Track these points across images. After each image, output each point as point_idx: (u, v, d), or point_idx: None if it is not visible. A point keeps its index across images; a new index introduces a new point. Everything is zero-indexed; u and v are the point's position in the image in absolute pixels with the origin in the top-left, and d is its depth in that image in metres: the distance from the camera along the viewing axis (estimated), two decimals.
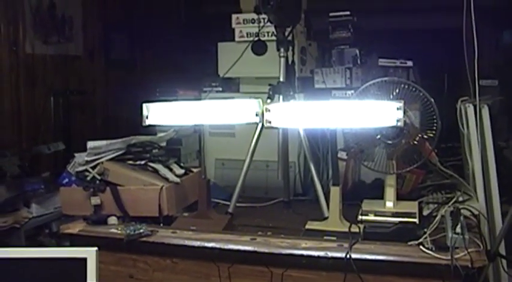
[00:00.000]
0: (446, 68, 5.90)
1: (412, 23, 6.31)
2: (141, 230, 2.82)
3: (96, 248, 2.04)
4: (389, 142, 3.01)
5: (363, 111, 2.68)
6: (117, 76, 5.70)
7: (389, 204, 3.08)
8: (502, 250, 3.11)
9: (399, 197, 3.16)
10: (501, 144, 5.01)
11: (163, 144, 3.44)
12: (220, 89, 4.01)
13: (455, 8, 3.29)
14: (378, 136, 3.02)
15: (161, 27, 6.41)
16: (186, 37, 6.71)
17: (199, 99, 3.94)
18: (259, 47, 3.28)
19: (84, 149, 3.20)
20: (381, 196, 3.12)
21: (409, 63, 3.86)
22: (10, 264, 1.99)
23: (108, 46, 5.63)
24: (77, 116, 5.04)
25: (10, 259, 1.99)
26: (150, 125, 3.03)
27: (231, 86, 4.03)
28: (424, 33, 6.14)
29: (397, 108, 2.58)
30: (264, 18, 3.28)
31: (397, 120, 2.59)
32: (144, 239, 2.81)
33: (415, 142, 3.03)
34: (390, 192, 3.10)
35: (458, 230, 2.52)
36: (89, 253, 2.02)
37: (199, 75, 4.17)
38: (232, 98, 3.65)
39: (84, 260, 2.01)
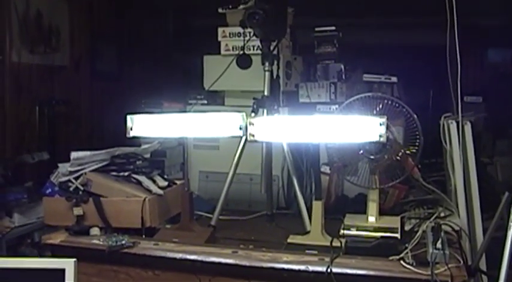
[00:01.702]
0: (431, 84, 5.93)
1: (398, 39, 6.34)
2: (123, 242, 2.82)
3: (74, 259, 2.03)
4: (372, 157, 3.03)
5: (346, 126, 2.70)
6: (102, 87, 5.69)
7: (371, 219, 3.10)
8: (483, 265, 3.13)
9: (382, 212, 3.17)
10: (485, 161, 5.05)
11: (148, 155, 3.45)
12: (206, 101, 4.03)
13: (440, 25, 3.32)
14: (361, 151, 3.03)
15: (148, 39, 6.42)
16: (173, 49, 6.72)
17: (185, 111, 3.95)
18: (244, 61, 3.30)
19: (68, 159, 3.19)
20: (363, 210, 3.14)
21: (394, 79, 3.89)
22: None
23: (94, 57, 5.62)
24: (62, 126, 5.02)
25: None
26: (134, 137, 3.03)
27: (216, 99, 4.04)
28: (409, 50, 6.17)
29: (380, 124, 2.60)
30: (249, 32, 3.30)
31: (380, 136, 2.61)
32: (126, 250, 2.80)
33: (398, 157, 3.05)
34: (373, 207, 3.12)
35: (439, 245, 2.53)
36: (68, 264, 2.02)
37: (185, 88, 4.18)
38: (217, 111, 3.66)
39: (63, 271, 2.00)
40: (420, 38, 6.07)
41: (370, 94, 3.08)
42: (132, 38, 6.13)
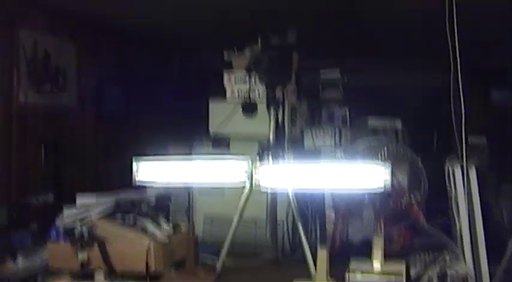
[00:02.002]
0: (435, 125, 5.96)
1: (402, 81, 6.38)
2: None
3: None
4: (377, 204, 3.03)
5: (351, 174, 2.71)
6: (108, 129, 5.70)
7: (376, 264, 3.08)
8: None
9: (387, 256, 3.16)
10: (490, 202, 5.04)
11: (153, 199, 3.45)
12: (211, 145, 4.04)
13: (443, 67, 3.34)
14: (366, 198, 3.04)
15: (154, 82, 6.45)
16: (179, 92, 6.75)
17: (189, 154, 3.96)
18: (249, 108, 3.32)
19: (73, 201, 3.20)
20: (368, 255, 3.13)
21: (398, 124, 3.90)
22: None
23: (101, 98, 5.64)
24: (67, 168, 5.02)
25: None
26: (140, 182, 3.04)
27: (221, 143, 4.05)
28: (413, 91, 6.21)
29: (385, 171, 2.61)
30: (255, 78, 3.33)
31: (385, 183, 2.61)
32: None
33: (403, 204, 3.05)
34: (378, 252, 3.10)
35: None
36: None
37: (190, 131, 4.20)
38: (222, 155, 3.67)
39: None
40: (424, 79, 6.10)
41: (374, 140, 3.10)
42: (139, 78, 6.16)
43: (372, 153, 3.07)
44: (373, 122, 3.90)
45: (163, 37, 6.15)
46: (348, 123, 3.89)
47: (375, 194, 3.00)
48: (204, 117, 4.01)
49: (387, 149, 3.04)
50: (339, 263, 3.12)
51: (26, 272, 3.88)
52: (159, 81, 6.56)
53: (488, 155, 5.22)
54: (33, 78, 4.76)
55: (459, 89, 3.29)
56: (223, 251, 3.22)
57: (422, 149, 3.32)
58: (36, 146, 4.75)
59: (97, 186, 3.38)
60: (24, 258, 3.88)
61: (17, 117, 4.59)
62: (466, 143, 3.26)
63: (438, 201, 3.83)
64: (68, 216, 3.18)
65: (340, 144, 3.81)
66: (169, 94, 6.60)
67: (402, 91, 6.26)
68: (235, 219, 3.23)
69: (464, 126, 3.28)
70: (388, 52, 6.01)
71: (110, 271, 3.02)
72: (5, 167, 4.49)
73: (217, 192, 3.85)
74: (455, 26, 3.16)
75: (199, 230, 3.77)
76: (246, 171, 2.83)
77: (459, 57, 3.23)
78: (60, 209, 3.27)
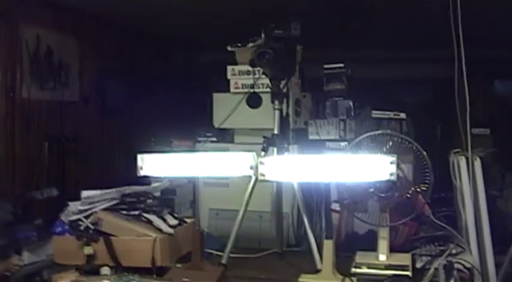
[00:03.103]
0: (440, 117, 5.94)
1: (405, 73, 6.37)
2: (134, 281, 2.81)
3: None
4: (382, 195, 3.03)
5: (356, 165, 2.70)
6: (112, 123, 5.71)
7: (382, 257, 3.09)
8: None
9: (392, 249, 3.17)
10: (494, 194, 5.03)
11: (158, 194, 3.45)
12: (215, 139, 4.04)
13: (447, 58, 3.34)
14: (371, 189, 3.03)
15: (158, 75, 6.45)
16: (183, 86, 6.75)
17: (194, 149, 3.96)
18: (253, 100, 3.32)
19: (77, 195, 3.20)
20: (374, 247, 3.13)
21: (402, 115, 3.90)
22: None
23: (104, 93, 5.64)
24: (71, 163, 5.03)
25: None
26: (144, 176, 3.04)
27: (225, 137, 4.06)
28: (417, 83, 6.20)
29: (391, 162, 2.60)
30: (259, 71, 3.32)
31: (390, 174, 2.61)
32: None
33: (408, 195, 3.04)
34: (383, 244, 3.11)
35: None
36: None
37: (194, 125, 4.20)
38: (227, 148, 3.67)
39: None
40: (428, 71, 6.10)
41: (379, 132, 3.09)
42: (142, 73, 6.16)
43: (377, 145, 3.06)
44: (377, 114, 3.89)
45: (166, 32, 6.14)
46: (353, 115, 3.88)
47: (380, 185, 2.99)
48: (208, 111, 4.00)
49: (392, 141, 3.04)
50: (344, 255, 3.13)
51: (32, 267, 3.90)
52: (162, 76, 6.56)
53: (493, 146, 5.22)
54: (36, 74, 4.76)
55: (463, 80, 3.29)
56: (229, 245, 3.22)
57: (427, 141, 3.32)
58: (40, 141, 4.75)
59: (101, 181, 3.37)
60: (29, 253, 3.88)
61: (21, 113, 4.59)
62: (470, 134, 3.26)
63: (444, 193, 3.84)
64: (73, 210, 3.18)
65: (345, 136, 3.80)
66: (173, 88, 6.60)
67: (407, 83, 6.25)
68: (241, 212, 3.23)
69: (469, 118, 3.28)
70: (392, 44, 6.00)
71: (116, 265, 3.02)
72: (10, 162, 4.49)
73: (223, 185, 3.85)
74: (459, 18, 3.15)
75: (204, 223, 3.76)
76: (251, 165, 2.82)
77: (463, 48, 3.23)
78: (65, 204, 3.27)
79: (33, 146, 4.70)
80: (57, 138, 4.86)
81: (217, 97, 4.00)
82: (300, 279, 2.90)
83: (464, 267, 2.95)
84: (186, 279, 2.89)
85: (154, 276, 2.96)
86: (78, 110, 5.26)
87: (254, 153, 2.85)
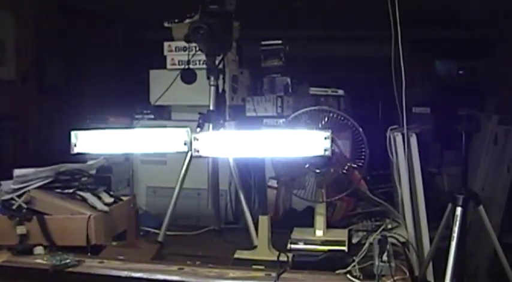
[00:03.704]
0: (381, 96, 6.01)
1: (346, 52, 6.42)
2: (68, 260, 2.76)
3: None
4: (318, 171, 3.03)
5: (292, 141, 2.70)
6: (50, 102, 5.61)
7: (319, 232, 3.11)
8: (430, 276, 3.17)
9: (329, 225, 3.18)
10: (433, 171, 5.12)
11: (93, 172, 3.39)
12: (152, 116, 3.99)
13: (388, 37, 3.37)
14: (307, 165, 3.04)
15: (97, 53, 6.36)
16: (122, 63, 6.68)
17: (131, 126, 3.91)
18: (188, 76, 3.29)
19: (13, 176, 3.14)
20: (311, 224, 3.14)
21: (340, 92, 3.92)
22: None
23: (42, 71, 5.54)
24: (8, 142, 4.93)
25: None
26: (79, 153, 2.99)
27: (162, 114, 4.01)
28: (359, 62, 6.24)
29: (325, 138, 2.61)
30: (195, 47, 3.28)
31: (325, 150, 2.61)
32: (71, 269, 2.74)
33: (344, 171, 3.06)
34: (320, 220, 3.12)
35: (385, 257, 2.55)
36: None
37: (132, 102, 4.15)
38: (164, 126, 3.63)
39: None
40: (369, 50, 6.14)
41: (315, 108, 3.10)
42: (81, 50, 6.06)
43: (314, 121, 3.06)
44: (315, 90, 3.90)
45: (108, 9, 6.05)
46: (290, 91, 3.88)
47: (316, 161, 3.00)
48: (145, 88, 3.95)
49: (328, 117, 3.04)
50: (282, 232, 3.13)
51: None
52: (101, 53, 6.47)
53: (432, 125, 5.30)
54: None
55: (401, 59, 3.32)
56: (165, 222, 3.20)
57: (366, 118, 3.34)
58: None
59: (39, 160, 3.30)
60: None
61: None
62: (410, 113, 3.30)
63: (381, 168, 3.88)
64: (5, 190, 3.10)
65: (283, 113, 3.80)
66: (113, 67, 6.53)
67: (349, 62, 6.29)
68: (177, 189, 3.20)
69: (405, 95, 3.32)
70: (333, 23, 6.02)
71: (50, 245, 2.97)
72: None
73: (160, 163, 3.82)
74: None
75: (142, 201, 3.73)
76: (185, 141, 2.80)
77: (401, 27, 3.26)
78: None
79: None
80: None
81: (154, 74, 3.95)
82: (235, 255, 2.90)
83: (399, 241, 2.99)
84: (121, 257, 2.86)
85: (89, 254, 2.92)
86: (15, 88, 5.15)
87: (188, 129, 2.82)
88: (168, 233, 3.22)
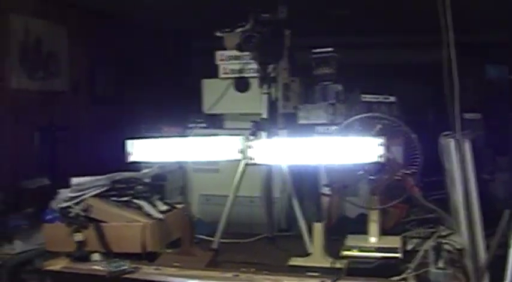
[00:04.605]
0: (430, 102, 5.95)
1: (396, 58, 6.37)
2: (124, 267, 2.80)
3: None
4: (372, 178, 3.03)
5: (345, 148, 2.70)
6: (102, 111, 5.69)
7: (372, 239, 3.09)
8: None
9: (383, 232, 3.16)
10: (486, 177, 5.04)
11: (148, 180, 3.44)
12: (205, 125, 4.02)
13: (438, 43, 3.33)
14: (360, 172, 3.03)
15: (147, 63, 6.43)
16: (171, 72, 6.74)
17: (184, 135, 3.94)
18: (241, 85, 3.32)
19: (68, 184, 3.19)
20: (365, 231, 3.13)
21: (392, 99, 3.90)
22: None
23: (93, 82, 5.63)
24: (62, 152, 5.01)
25: None
26: (134, 162, 3.04)
27: (215, 122, 4.05)
28: (408, 68, 6.19)
29: (379, 144, 2.61)
30: (247, 56, 3.31)
31: (379, 156, 2.61)
32: (127, 276, 2.78)
33: (398, 177, 3.04)
34: (373, 227, 3.11)
35: (441, 264, 2.53)
36: None
37: (183, 112, 4.19)
38: (216, 134, 3.66)
39: None
40: (419, 56, 6.10)
41: (368, 115, 3.09)
42: (132, 61, 6.13)
43: (366, 128, 3.06)
44: (367, 97, 3.88)
45: (157, 20, 6.12)
46: (342, 99, 3.87)
47: (369, 168, 2.99)
48: (198, 97, 3.99)
49: (381, 124, 3.03)
50: (335, 239, 3.13)
51: (23, 256, 3.90)
52: (153, 64, 6.54)
53: (484, 131, 5.23)
54: (25, 64, 4.74)
55: (452, 64, 3.29)
56: (219, 230, 3.22)
57: (418, 124, 3.31)
58: (31, 131, 4.74)
59: (92, 169, 3.36)
60: (20, 242, 3.88)
61: (11, 103, 4.57)
62: (461, 119, 3.26)
63: (434, 175, 3.84)
64: (63, 198, 3.17)
65: (335, 120, 3.79)
66: (164, 76, 6.59)
67: (396, 68, 6.24)
68: (230, 197, 3.23)
69: (458, 100, 3.28)
70: (379, 29, 5.99)
71: (106, 252, 3.02)
72: (0, 153, 4.48)
73: (213, 171, 3.84)
74: (449, 1, 3.15)
75: (195, 209, 3.76)
76: (239, 149, 2.82)
77: (453, 33, 3.22)
78: (56, 193, 3.26)
79: (23, 136, 4.69)
80: (47, 127, 4.85)
81: (207, 83, 3.99)
82: (290, 262, 2.91)
83: (454, 248, 2.96)
84: (177, 264, 2.89)
85: (145, 262, 2.96)
86: (67, 99, 5.25)
87: (242, 137, 2.85)
88: (221, 240, 3.24)
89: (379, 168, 2.98)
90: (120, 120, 5.70)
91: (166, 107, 5.76)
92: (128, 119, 5.60)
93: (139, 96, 6.14)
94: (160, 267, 2.87)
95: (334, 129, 3.63)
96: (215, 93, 3.63)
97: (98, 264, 2.90)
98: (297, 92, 4.03)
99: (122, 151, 3.05)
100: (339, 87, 3.90)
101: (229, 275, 2.75)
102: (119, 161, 3.15)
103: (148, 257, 3.00)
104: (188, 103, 4.29)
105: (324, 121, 3.83)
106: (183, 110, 4.27)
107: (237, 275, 2.74)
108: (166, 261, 2.98)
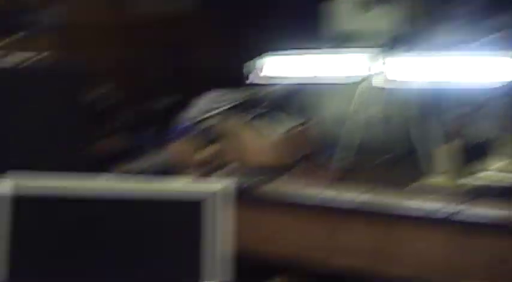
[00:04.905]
0: None
1: None
2: (254, 180, 2.86)
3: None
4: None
5: (479, 67, 2.61)
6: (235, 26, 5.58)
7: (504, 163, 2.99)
8: None
9: None
10: None
11: (278, 96, 3.44)
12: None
13: None
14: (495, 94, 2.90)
15: None
16: None
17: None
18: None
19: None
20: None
21: None
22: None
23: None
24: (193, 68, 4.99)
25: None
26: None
27: (345, 41, 3.95)
28: None
29: None
30: None
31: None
32: (257, 189, 2.84)
33: None
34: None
35: None
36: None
37: (315, 29, 4.10)
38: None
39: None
40: None
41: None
42: None
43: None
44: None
45: None
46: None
47: (503, 89, 2.87)
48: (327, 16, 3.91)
49: None
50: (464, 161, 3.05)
51: (151, 171, 4.03)
52: None
53: None
54: None
55: None
56: (347, 149, 3.21)
57: None
58: (159, 50, 4.78)
59: (224, 83, 3.38)
60: (149, 158, 4.01)
61: (137, 23, 4.63)
62: None
63: None
64: (195, 111, 3.24)
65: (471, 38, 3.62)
66: None
67: None
68: (358, 117, 3.19)
69: None
70: None
71: (238, 165, 3.08)
72: (129, 71, 4.57)
73: (341, 91, 3.79)
74: None
75: (323, 127, 3.74)
76: (370, 65, 2.77)
77: None
78: (186, 108, 3.33)
79: (153, 55, 4.73)
80: (176, 46, 4.87)
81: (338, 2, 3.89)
82: (420, 182, 2.86)
83: None
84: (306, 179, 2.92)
85: (273, 176, 3.00)
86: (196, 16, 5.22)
87: (374, 54, 2.79)
88: (346, 159, 3.22)
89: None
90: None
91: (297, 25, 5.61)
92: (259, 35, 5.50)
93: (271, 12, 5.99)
94: (290, 182, 2.92)
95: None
96: (345, 12, 3.54)
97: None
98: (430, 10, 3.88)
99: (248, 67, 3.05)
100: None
101: (362, 189, 2.76)
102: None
103: (278, 170, 3.05)
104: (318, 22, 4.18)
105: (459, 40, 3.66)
106: (314, 29, 4.16)
107: (370, 190, 2.75)
108: (295, 176, 3.02)
